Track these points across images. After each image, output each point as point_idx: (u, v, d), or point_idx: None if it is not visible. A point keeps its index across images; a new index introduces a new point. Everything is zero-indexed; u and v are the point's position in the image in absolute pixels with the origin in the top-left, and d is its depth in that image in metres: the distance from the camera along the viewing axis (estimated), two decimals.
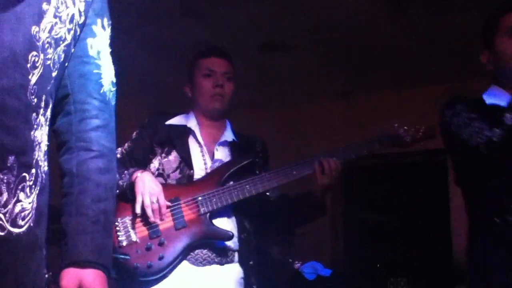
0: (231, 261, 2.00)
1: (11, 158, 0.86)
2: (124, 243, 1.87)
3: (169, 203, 1.92)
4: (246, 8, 3.28)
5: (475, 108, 1.75)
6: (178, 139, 2.06)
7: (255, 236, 2.09)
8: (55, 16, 0.96)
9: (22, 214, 0.89)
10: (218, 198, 1.95)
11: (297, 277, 4.17)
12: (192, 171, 2.02)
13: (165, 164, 2.03)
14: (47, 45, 0.95)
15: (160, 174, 2.02)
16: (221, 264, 1.97)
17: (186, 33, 3.45)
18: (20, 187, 0.88)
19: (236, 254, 2.01)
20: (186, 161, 2.03)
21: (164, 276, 1.88)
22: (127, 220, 1.91)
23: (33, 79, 0.91)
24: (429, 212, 4.57)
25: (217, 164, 2.07)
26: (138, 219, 1.90)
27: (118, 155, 2.06)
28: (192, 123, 2.13)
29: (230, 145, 2.14)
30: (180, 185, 2.00)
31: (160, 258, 1.85)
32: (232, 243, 1.99)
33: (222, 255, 1.97)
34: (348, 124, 4.69)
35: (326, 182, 2.01)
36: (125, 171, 1.96)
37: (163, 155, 2.04)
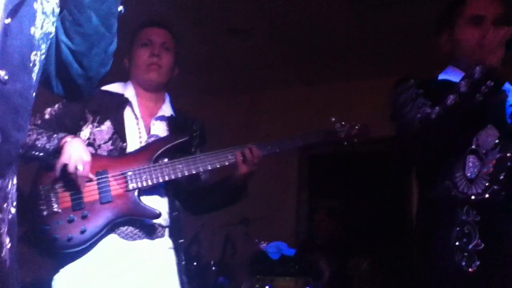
0: (162, 236, 1.97)
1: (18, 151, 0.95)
2: (45, 213, 1.81)
3: (93, 177, 1.85)
4: None
5: (424, 85, 1.78)
6: (113, 109, 1.98)
7: (184, 214, 2.07)
8: (43, 13, 0.98)
9: (12, 199, 0.96)
10: (148, 175, 1.89)
11: (261, 256, 4.21)
12: (125, 144, 1.95)
13: (97, 134, 1.95)
14: (41, 42, 0.98)
15: (90, 144, 1.93)
16: (151, 239, 1.94)
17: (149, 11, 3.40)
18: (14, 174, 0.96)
19: (167, 230, 1.98)
20: (119, 133, 1.95)
21: (87, 249, 1.83)
22: (51, 189, 1.84)
23: (34, 77, 0.97)
24: (390, 198, 4.62)
25: (152, 139, 2.00)
26: (62, 189, 1.84)
27: (46, 116, 1.97)
28: (129, 93, 2.05)
29: (168, 120, 2.08)
30: (111, 157, 1.92)
31: (82, 232, 1.80)
32: (162, 220, 1.95)
33: (151, 232, 1.93)
34: (308, 112, 4.71)
35: (245, 170, 1.98)
36: (54, 135, 1.86)
37: (95, 124, 1.96)
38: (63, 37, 1.09)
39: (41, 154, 1.84)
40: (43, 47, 0.99)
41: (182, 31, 3.57)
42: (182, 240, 2.01)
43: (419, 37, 3.50)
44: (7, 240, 0.92)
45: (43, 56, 1.00)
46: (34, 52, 0.95)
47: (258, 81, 4.89)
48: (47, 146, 1.83)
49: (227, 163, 2.00)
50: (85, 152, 1.83)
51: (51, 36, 1.04)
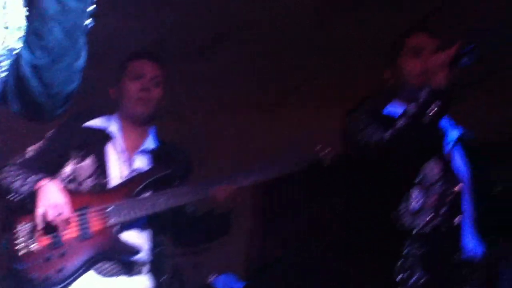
0: (139, 273, 1.92)
1: None
2: (22, 252, 1.73)
3: (72, 217, 1.80)
4: (169, 12, 3.23)
5: (373, 115, 1.87)
6: (95, 145, 1.95)
7: (170, 249, 2.05)
8: (4, 28, 0.94)
9: None
10: (129, 210, 1.86)
11: None
12: (107, 179, 1.92)
13: (79, 170, 1.91)
14: (2, 58, 0.93)
15: (72, 180, 1.90)
16: (129, 275, 1.89)
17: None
18: None
19: (145, 267, 1.94)
20: (101, 168, 1.92)
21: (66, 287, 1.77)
22: (28, 227, 1.77)
23: None
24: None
25: (134, 174, 1.98)
26: (40, 227, 1.76)
27: (27, 154, 1.92)
28: (113, 127, 2.02)
29: (151, 153, 2.06)
30: (91, 193, 1.89)
31: (59, 271, 1.74)
32: (141, 256, 1.90)
33: (128, 269, 1.89)
34: (272, 136, 4.72)
35: (223, 208, 1.99)
36: (28, 178, 1.81)
37: (78, 159, 1.92)
38: (23, 51, 1.01)
39: (16, 197, 1.80)
40: (4, 64, 0.94)
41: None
42: (165, 276, 1.96)
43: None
44: None
45: (3, 74, 0.95)
46: None
47: (220, 102, 4.85)
48: (21, 189, 1.79)
49: (207, 196, 2.00)
50: (60, 196, 1.78)
51: (15, 52, 0.98)
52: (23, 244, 1.75)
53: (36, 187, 1.78)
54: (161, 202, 1.91)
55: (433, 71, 1.74)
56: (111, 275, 1.85)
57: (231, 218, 2.06)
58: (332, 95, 4.28)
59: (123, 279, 1.87)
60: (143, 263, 1.93)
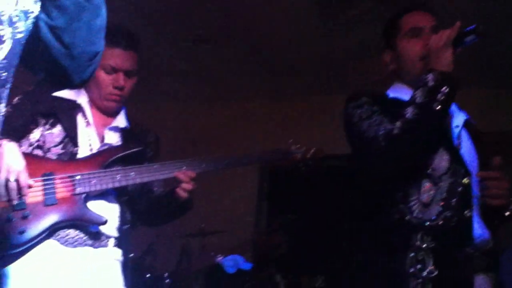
0: (105, 246, 1.92)
1: None
2: None
3: (32, 183, 1.73)
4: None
5: (378, 102, 1.78)
6: (65, 113, 1.94)
7: (135, 228, 2.05)
8: None
9: None
10: (98, 180, 1.86)
11: (217, 269, 4.15)
12: (76, 148, 1.91)
13: (47, 137, 1.90)
14: (15, 19, 0.93)
15: (39, 146, 1.89)
16: (94, 246, 1.89)
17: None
18: None
19: (112, 240, 1.94)
20: (71, 137, 1.91)
21: (24, 253, 1.75)
22: None
23: (1, 54, 0.91)
24: (349, 215, 4.61)
25: (105, 147, 1.98)
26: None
27: None
28: (83, 99, 2.01)
29: (121, 131, 2.05)
30: (59, 160, 1.89)
31: (21, 233, 1.73)
32: (108, 229, 1.91)
33: (95, 238, 1.89)
34: (273, 126, 4.72)
35: (183, 193, 1.97)
36: None
37: (47, 126, 1.91)
38: (41, 14, 1.02)
39: None
40: (19, 25, 0.94)
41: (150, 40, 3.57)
42: (132, 254, 1.95)
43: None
44: None
45: (19, 35, 0.94)
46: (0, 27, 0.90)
47: (224, 92, 4.89)
48: None
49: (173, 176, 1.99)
50: (16, 159, 1.68)
51: (32, 15, 0.98)
52: None
53: None
54: (132, 176, 1.90)
55: (436, 52, 1.64)
56: (76, 245, 1.85)
57: (189, 198, 2.03)
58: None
59: (88, 250, 1.87)
60: (109, 236, 1.93)
